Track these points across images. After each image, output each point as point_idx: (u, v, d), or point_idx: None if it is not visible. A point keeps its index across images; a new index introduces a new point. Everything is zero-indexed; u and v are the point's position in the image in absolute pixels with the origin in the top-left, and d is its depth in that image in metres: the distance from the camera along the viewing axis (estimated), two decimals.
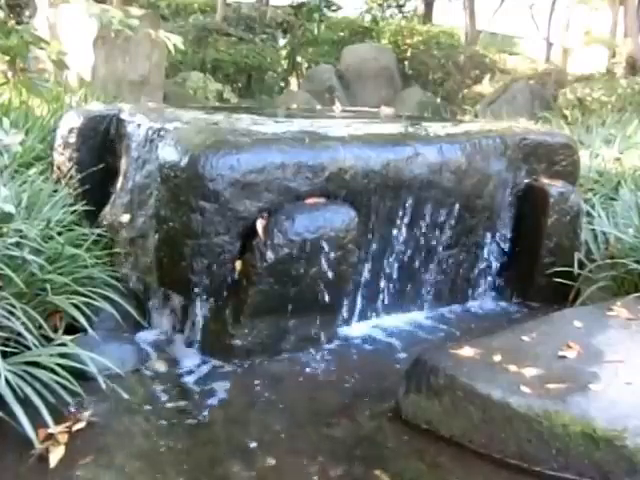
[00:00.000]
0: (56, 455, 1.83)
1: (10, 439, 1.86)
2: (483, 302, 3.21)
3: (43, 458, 1.82)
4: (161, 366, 2.43)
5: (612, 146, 5.13)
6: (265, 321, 2.49)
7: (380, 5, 16.32)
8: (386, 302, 2.91)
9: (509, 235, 3.20)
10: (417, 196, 2.78)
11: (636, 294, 2.67)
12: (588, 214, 3.42)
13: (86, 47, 6.72)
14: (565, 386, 1.96)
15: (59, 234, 2.59)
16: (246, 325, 2.47)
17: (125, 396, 2.15)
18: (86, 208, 2.96)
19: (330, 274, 2.49)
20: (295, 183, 2.47)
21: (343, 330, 2.77)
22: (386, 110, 4.08)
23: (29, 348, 2.07)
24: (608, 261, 3.06)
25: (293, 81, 12.84)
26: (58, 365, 2.04)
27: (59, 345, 2.16)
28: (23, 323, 2.05)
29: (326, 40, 13.87)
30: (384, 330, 2.83)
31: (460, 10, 15.07)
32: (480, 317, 3.08)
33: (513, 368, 2.05)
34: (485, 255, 3.16)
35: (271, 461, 1.89)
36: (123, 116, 3.05)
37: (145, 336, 2.64)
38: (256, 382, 2.35)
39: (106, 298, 2.45)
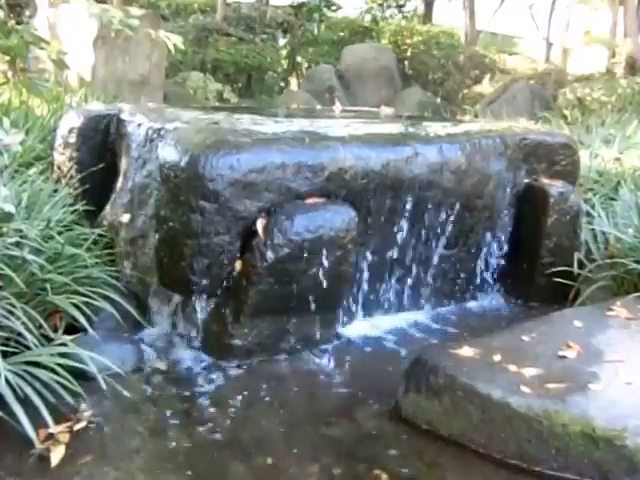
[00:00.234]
0: (57, 455, 1.83)
1: (10, 439, 1.87)
2: (483, 302, 3.21)
3: (43, 458, 1.82)
4: (161, 366, 2.43)
5: (612, 146, 5.12)
6: (265, 321, 2.49)
7: (380, 5, 16.31)
8: (386, 302, 2.91)
9: (509, 235, 3.20)
10: (417, 196, 2.78)
11: (636, 294, 2.67)
12: (588, 214, 3.42)
13: (86, 47, 6.73)
14: (565, 386, 1.96)
15: (59, 234, 2.59)
16: (246, 325, 2.47)
17: (125, 396, 2.15)
18: (86, 208, 2.96)
19: (330, 274, 2.49)
20: (295, 183, 2.47)
21: (343, 330, 2.77)
22: (386, 110, 4.08)
23: (29, 348, 2.07)
24: (608, 261, 3.06)
25: (293, 81, 12.84)
26: (58, 365, 2.04)
27: (59, 345, 2.16)
28: (23, 323, 2.06)
29: (326, 40, 13.87)
30: (384, 330, 2.83)
31: (460, 10, 15.07)
32: (480, 317, 3.08)
33: (513, 368, 2.05)
34: (485, 255, 3.16)
35: (271, 461, 1.89)
36: (123, 116, 3.05)
37: (145, 336, 2.64)
38: (256, 382, 2.35)
39: (106, 298, 2.45)
